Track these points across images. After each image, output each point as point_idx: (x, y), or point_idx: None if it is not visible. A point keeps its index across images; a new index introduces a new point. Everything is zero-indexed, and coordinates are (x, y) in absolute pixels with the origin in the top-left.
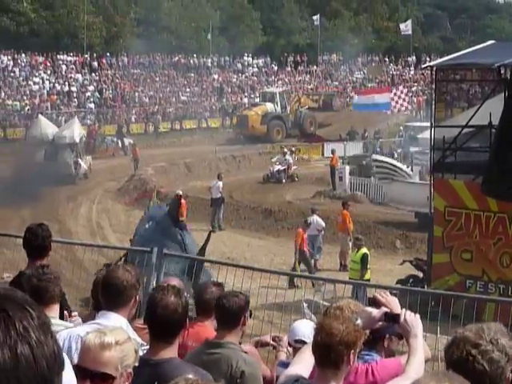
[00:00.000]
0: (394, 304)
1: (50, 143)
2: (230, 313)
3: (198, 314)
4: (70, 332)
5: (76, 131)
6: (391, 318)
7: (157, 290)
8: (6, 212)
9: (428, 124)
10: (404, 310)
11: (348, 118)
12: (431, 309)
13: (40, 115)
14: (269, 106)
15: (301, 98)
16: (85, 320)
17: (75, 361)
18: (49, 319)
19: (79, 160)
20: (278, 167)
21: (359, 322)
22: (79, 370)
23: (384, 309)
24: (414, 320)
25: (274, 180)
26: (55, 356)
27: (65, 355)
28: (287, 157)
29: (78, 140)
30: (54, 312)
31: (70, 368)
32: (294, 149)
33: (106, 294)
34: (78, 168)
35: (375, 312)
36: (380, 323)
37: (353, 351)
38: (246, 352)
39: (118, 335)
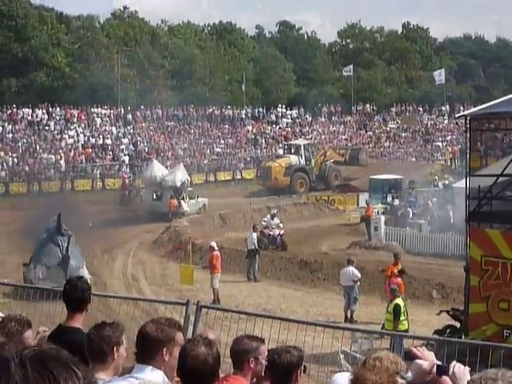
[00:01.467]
0: (430, 359)
1: (158, 185)
2: (281, 369)
3: (234, 367)
4: None
5: (178, 176)
6: (442, 369)
7: (188, 341)
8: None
9: None
10: (454, 362)
11: (380, 167)
12: (469, 359)
13: (154, 159)
14: (293, 158)
15: (327, 151)
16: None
17: None
18: (95, 378)
19: (181, 201)
20: (270, 232)
21: (409, 374)
22: None
23: (435, 360)
24: (462, 372)
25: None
26: None
27: None
28: (275, 220)
29: (179, 184)
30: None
31: None
32: (275, 211)
33: (139, 347)
34: (180, 208)
35: (426, 364)
36: (431, 376)
37: None
38: None
39: None
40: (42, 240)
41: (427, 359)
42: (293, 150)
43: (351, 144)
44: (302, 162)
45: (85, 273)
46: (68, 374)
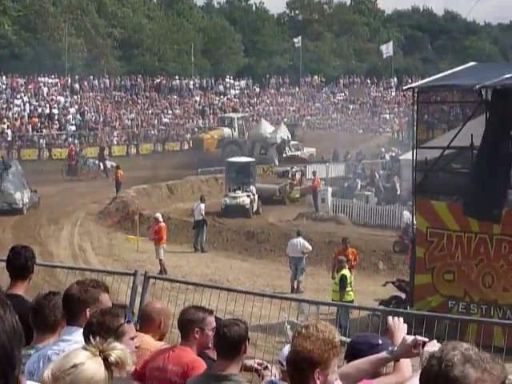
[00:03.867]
0: (400, 333)
1: (264, 141)
2: (230, 342)
3: (181, 337)
4: (39, 353)
5: (279, 134)
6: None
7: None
8: None
9: None
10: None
11: (330, 138)
12: (414, 330)
13: (263, 119)
14: (226, 131)
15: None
16: None
17: None
18: (5, 296)
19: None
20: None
21: (395, 349)
22: None
23: (418, 337)
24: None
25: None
26: (15, 330)
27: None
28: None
29: (279, 141)
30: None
31: None
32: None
33: (65, 309)
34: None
35: (410, 340)
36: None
37: (318, 370)
38: (249, 382)
39: (61, 365)
40: None
41: (397, 331)
42: (226, 123)
43: (299, 115)
44: (236, 134)
45: (19, 197)
46: None
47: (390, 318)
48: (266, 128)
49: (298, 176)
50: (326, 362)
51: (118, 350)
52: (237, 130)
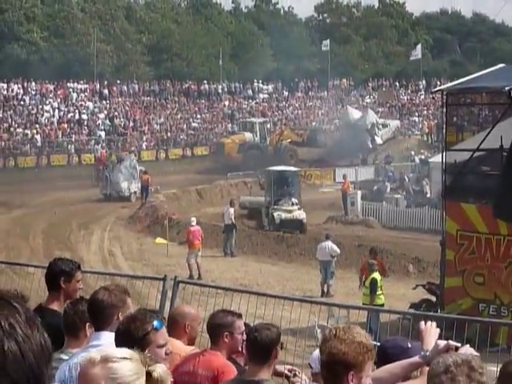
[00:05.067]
0: (431, 337)
1: (352, 127)
2: (261, 347)
3: (211, 343)
4: (69, 362)
5: (368, 119)
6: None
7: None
8: None
9: None
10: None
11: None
12: (445, 333)
13: (348, 105)
14: (247, 136)
15: (284, 130)
16: None
17: None
18: (34, 314)
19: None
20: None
21: (428, 354)
22: None
23: (451, 342)
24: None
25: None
26: (42, 348)
27: None
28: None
29: (369, 126)
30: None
31: None
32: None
33: (92, 316)
34: (374, 142)
35: (442, 345)
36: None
37: (352, 373)
38: None
39: (110, 353)
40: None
41: (429, 336)
42: (248, 127)
43: (327, 119)
44: (257, 139)
45: (125, 186)
46: (9, 312)
47: (422, 322)
48: (354, 114)
49: None
50: (361, 364)
51: (162, 368)
52: (258, 134)
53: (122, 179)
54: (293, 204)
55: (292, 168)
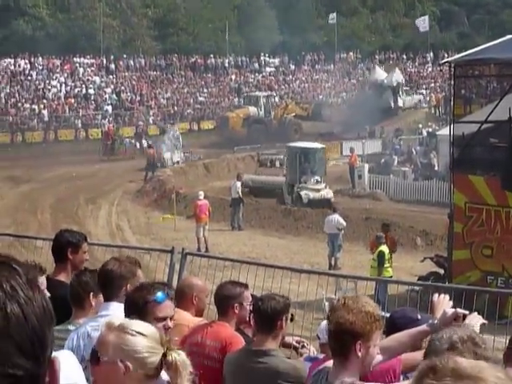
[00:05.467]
0: (442, 307)
1: (379, 86)
2: (266, 316)
3: (219, 314)
4: (78, 331)
5: (394, 77)
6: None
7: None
8: None
9: None
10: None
11: (342, 123)
12: (453, 305)
13: (377, 66)
14: (251, 110)
15: (288, 104)
16: None
17: (86, 358)
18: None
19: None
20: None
21: (436, 322)
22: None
23: (459, 310)
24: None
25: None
26: (44, 310)
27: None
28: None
29: (395, 84)
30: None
31: (77, 365)
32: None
33: (101, 286)
34: (396, 103)
35: (450, 313)
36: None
37: (360, 342)
38: (288, 357)
39: (128, 324)
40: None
41: (441, 306)
42: (252, 101)
43: (334, 92)
44: (261, 113)
45: (168, 157)
46: (9, 274)
47: (435, 294)
48: (381, 73)
49: (277, 165)
50: (368, 334)
51: (181, 356)
52: (263, 108)
53: (165, 150)
54: (317, 182)
55: (316, 144)
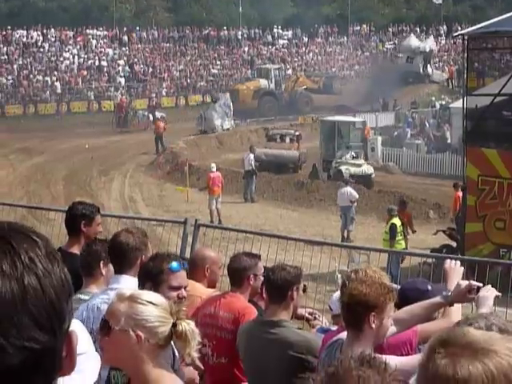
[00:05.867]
0: (455, 277)
1: (412, 52)
2: (275, 287)
3: (232, 285)
4: (88, 303)
5: (427, 44)
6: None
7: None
8: None
9: None
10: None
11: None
12: (466, 277)
13: (412, 34)
14: (262, 82)
15: (299, 77)
16: None
17: (95, 331)
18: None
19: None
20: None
21: (449, 294)
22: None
23: (473, 282)
24: (485, 296)
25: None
26: (63, 283)
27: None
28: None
29: (427, 50)
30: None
31: (86, 334)
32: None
33: (113, 258)
34: (426, 70)
35: (464, 285)
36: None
37: (374, 314)
38: (300, 328)
39: (139, 294)
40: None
41: (454, 274)
42: (263, 74)
43: (347, 65)
44: (272, 86)
45: (218, 123)
46: (28, 245)
47: (447, 261)
48: (415, 40)
49: (287, 141)
50: (382, 305)
51: (190, 326)
52: (273, 81)
53: (216, 117)
54: (355, 157)
55: (354, 118)
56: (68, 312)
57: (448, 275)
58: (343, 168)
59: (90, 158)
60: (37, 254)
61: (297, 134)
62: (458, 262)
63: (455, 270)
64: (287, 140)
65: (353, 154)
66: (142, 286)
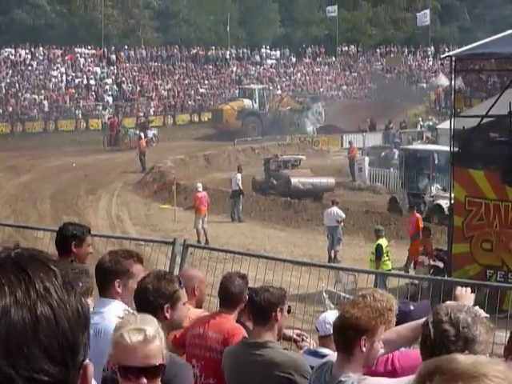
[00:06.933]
0: (468, 301)
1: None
2: (259, 308)
3: (222, 306)
4: None
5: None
6: None
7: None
8: None
9: None
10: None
11: (367, 108)
12: (453, 298)
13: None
14: (246, 102)
15: (283, 97)
16: None
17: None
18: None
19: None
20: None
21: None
22: (128, 369)
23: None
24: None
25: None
26: (79, 314)
27: None
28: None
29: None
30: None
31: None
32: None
33: (97, 280)
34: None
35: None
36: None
37: (365, 337)
38: (285, 348)
39: (152, 323)
40: None
41: (464, 300)
42: (247, 94)
43: (335, 85)
44: (256, 106)
45: (310, 129)
46: (45, 274)
47: (458, 287)
48: (443, 79)
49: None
50: (373, 329)
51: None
52: (257, 101)
53: (308, 124)
54: (443, 190)
55: (439, 147)
56: (83, 344)
57: (459, 302)
58: (443, 202)
59: (77, 176)
60: (52, 284)
61: (300, 157)
62: (469, 289)
63: (466, 296)
64: (290, 166)
65: (439, 186)
66: (160, 308)
